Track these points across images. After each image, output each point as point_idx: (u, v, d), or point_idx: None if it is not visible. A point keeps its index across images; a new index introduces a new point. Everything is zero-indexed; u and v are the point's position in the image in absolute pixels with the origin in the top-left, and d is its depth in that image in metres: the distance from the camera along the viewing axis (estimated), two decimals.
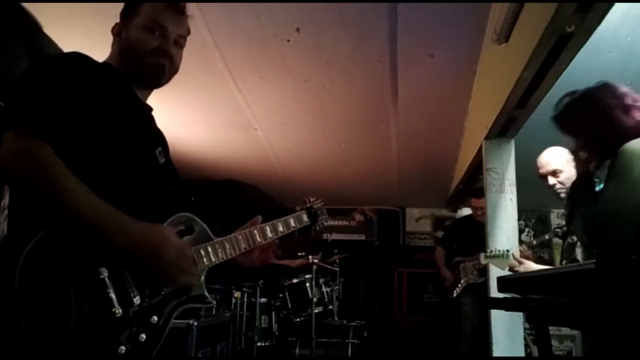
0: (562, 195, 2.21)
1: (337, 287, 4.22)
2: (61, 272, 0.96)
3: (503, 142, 3.02)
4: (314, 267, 3.97)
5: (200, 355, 2.50)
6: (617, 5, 1.66)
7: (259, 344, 3.63)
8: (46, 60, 1.20)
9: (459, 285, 4.07)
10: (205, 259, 1.26)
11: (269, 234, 1.48)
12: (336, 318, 4.10)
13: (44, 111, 1.04)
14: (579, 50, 1.88)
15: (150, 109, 1.42)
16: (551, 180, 2.26)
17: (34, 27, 3.07)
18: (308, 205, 1.86)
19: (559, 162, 2.26)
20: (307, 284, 3.94)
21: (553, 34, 1.77)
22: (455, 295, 4.09)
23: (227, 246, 1.34)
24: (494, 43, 2.44)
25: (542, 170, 2.32)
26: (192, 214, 1.30)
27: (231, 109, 4.06)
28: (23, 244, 0.93)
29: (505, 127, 2.82)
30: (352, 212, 6.35)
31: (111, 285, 1.01)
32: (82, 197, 1.00)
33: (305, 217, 1.78)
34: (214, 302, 1.24)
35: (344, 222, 6.40)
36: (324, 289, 4.06)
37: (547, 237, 4.46)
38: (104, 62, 1.33)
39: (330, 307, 4.06)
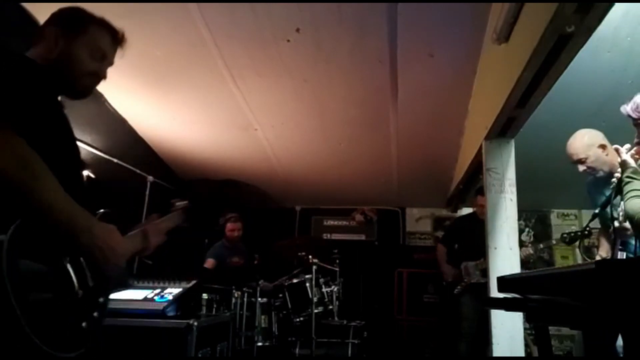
0: (599, 175, 2.31)
1: (337, 287, 4.22)
2: (34, 258, 1.07)
3: (503, 142, 3.01)
4: (314, 267, 3.96)
5: (200, 355, 2.50)
6: (617, 5, 1.66)
7: (259, 344, 3.62)
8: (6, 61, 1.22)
9: (462, 283, 4.07)
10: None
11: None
12: (336, 318, 4.09)
13: (15, 106, 1.10)
14: (579, 50, 1.88)
15: (62, 105, 1.45)
16: (580, 167, 2.37)
17: (34, 27, 3.07)
18: (180, 205, 2.05)
19: (580, 150, 2.35)
20: (307, 284, 3.94)
21: (553, 34, 1.77)
22: (456, 292, 4.09)
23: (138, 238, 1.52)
24: (494, 43, 2.44)
25: (571, 160, 2.42)
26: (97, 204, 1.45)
27: (231, 109, 4.06)
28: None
29: (505, 127, 2.82)
30: (352, 212, 6.34)
31: (72, 270, 1.16)
32: (63, 199, 1.11)
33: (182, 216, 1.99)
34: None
35: (344, 222, 6.39)
36: (324, 289, 4.05)
37: (554, 242, 4.47)
38: (25, 57, 1.33)
39: (330, 307, 4.05)
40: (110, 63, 1.49)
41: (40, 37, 1.41)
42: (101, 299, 1.28)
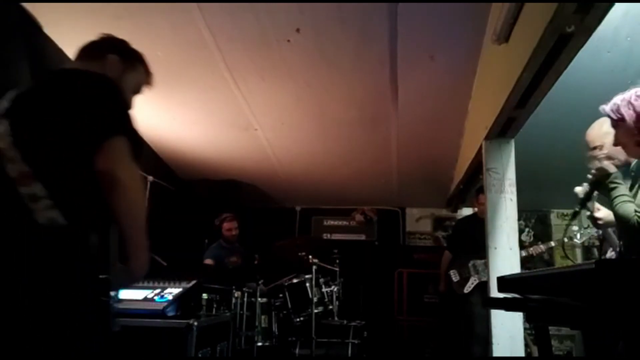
0: (614, 163, 2.22)
1: (337, 287, 4.22)
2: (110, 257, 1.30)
3: (503, 142, 3.01)
4: (314, 267, 3.97)
5: (200, 355, 2.50)
6: (617, 5, 1.66)
7: (259, 344, 3.62)
8: (94, 78, 1.42)
9: (469, 283, 4.05)
10: None
11: None
12: (336, 318, 4.10)
13: (130, 123, 1.37)
14: (579, 50, 1.88)
15: None
16: (597, 151, 2.28)
17: (34, 27, 3.07)
18: None
19: (596, 138, 2.27)
20: (307, 284, 3.94)
21: (553, 34, 1.77)
22: (466, 291, 4.06)
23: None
24: (494, 43, 2.44)
25: (588, 148, 2.33)
26: None
27: (231, 109, 4.06)
28: (97, 233, 1.24)
29: (505, 127, 2.82)
30: (352, 212, 6.34)
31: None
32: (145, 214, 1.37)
33: None
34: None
35: (344, 222, 6.39)
36: (324, 289, 4.05)
37: (552, 244, 4.45)
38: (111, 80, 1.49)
39: (330, 307, 4.05)
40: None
41: (97, 57, 1.55)
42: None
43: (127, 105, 1.46)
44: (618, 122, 1.76)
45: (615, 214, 1.70)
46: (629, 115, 1.69)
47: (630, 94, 1.73)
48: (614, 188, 1.72)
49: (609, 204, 1.75)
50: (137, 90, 1.64)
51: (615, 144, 1.83)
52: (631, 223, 1.61)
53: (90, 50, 1.58)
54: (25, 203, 1.22)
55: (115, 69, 1.54)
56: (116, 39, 1.63)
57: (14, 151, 1.26)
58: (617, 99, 1.76)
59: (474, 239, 4.01)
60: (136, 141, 1.41)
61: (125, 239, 1.32)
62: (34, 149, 1.27)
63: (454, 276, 4.22)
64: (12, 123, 1.31)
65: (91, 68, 1.48)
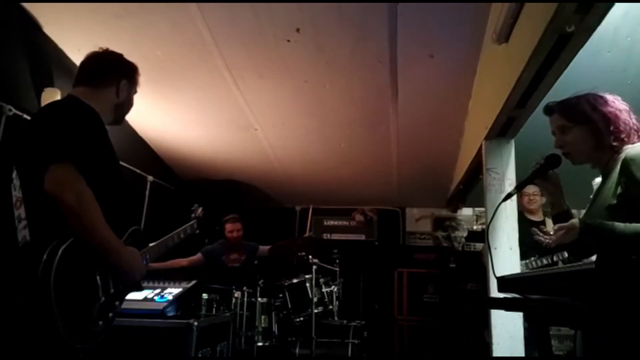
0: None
1: (337, 287, 4.22)
2: (75, 269, 1.40)
3: (503, 142, 3.01)
4: (314, 267, 3.97)
5: (200, 355, 2.50)
6: (617, 5, 1.66)
7: (259, 344, 3.62)
8: (65, 106, 1.59)
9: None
10: (145, 260, 1.80)
11: (176, 240, 2.15)
12: (336, 318, 4.09)
13: (79, 148, 1.43)
14: (579, 50, 1.88)
15: None
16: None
17: (34, 27, 3.07)
18: (198, 215, 2.39)
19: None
20: (307, 284, 3.94)
21: (553, 34, 1.77)
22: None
23: (156, 249, 1.94)
24: (494, 43, 2.44)
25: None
26: (135, 219, 1.94)
27: (231, 109, 4.06)
28: (51, 247, 1.34)
29: (505, 127, 2.82)
30: (352, 212, 6.34)
31: (100, 280, 1.50)
32: (103, 227, 1.44)
33: (195, 225, 2.33)
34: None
35: (344, 222, 6.39)
36: (324, 289, 4.05)
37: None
38: (87, 104, 1.63)
39: (330, 307, 4.05)
40: None
41: (111, 83, 1.74)
42: (117, 302, 1.60)
43: (91, 128, 1.54)
44: (576, 123, 1.60)
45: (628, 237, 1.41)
46: (600, 114, 1.55)
47: (590, 95, 1.59)
48: (599, 225, 1.47)
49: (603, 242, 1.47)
50: (135, 93, 1.86)
51: (564, 145, 1.67)
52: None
53: (101, 77, 1.73)
54: (15, 225, 1.41)
55: (125, 91, 1.78)
56: (119, 59, 1.80)
57: (16, 179, 1.47)
58: (572, 99, 1.61)
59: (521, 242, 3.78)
60: (96, 161, 1.50)
61: (94, 250, 1.45)
62: (22, 176, 1.46)
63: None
64: (14, 153, 1.52)
65: (102, 96, 1.71)
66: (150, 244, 1.91)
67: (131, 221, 1.75)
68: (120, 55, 1.80)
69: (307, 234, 5.37)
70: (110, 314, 1.56)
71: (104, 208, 1.47)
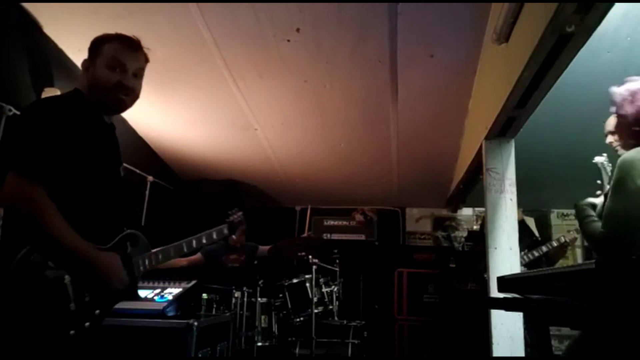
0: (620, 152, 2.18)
1: (337, 287, 4.21)
2: (39, 276, 1.37)
3: (503, 142, 3.01)
4: (314, 267, 3.96)
5: (200, 355, 2.50)
6: (617, 5, 1.66)
7: (259, 344, 3.62)
8: (31, 112, 1.48)
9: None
10: (141, 267, 1.69)
11: (194, 245, 1.91)
12: (336, 318, 4.09)
13: (37, 157, 1.37)
14: (579, 50, 1.88)
15: (113, 127, 1.69)
16: (608, 138, 2.17)
17: (34, 27, 3.07)
18: (230, 219, 2.16)
19: (612, 122, 2.27)
20: (307, 284, 3.93)
21: (553, 34, 1.77)
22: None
23: (160, 256, 1.76)
24: (494, 43, 2.44)
25: (605, 131, 2.29)
26: (137, 223, 1.75)
27: (231, 109, 4.06)
28: (12, 254, 1.34)
29: (505, 127, 2.82)
30: (352, 212, 6.34)
31: (71, 287, 1.42)
32: (64, 232, 1.38)
33: (225, 230, 2.09)
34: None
35: (344, 222, 6.39)
36: (324, 289, 4.04)
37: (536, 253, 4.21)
38: (75, 90, 1.58)
39: (330, 307, 4.04)
40: (136, 72, 1.63)
41: (82, 70, 1.62)
42: (97, 312, 1.49)
43: (64, 131, 1.43)
44: (620, 114, 1.78)
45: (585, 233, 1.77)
46: (630, 111, 1.72)
47: (634, 89, 1.74)
48: (582, 211, 1.80)
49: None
50: (116, 65, 1.56)
51: (612, 130, 1.87)
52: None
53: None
54: None
55: (87, 70, 1.59)
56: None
57: None
58: (624, 91, 1.76)
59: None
60: (67, 165, 1.43)
61: (60, 256, 1.41)
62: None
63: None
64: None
65: (79, 82, 1.61)
66: (155, 250, 1.75)
67: (127, 224, 1.66)
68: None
69: (305, 234, 5.36)
70: (87, 324, 1.45)
71: (80, 211, 1.44)
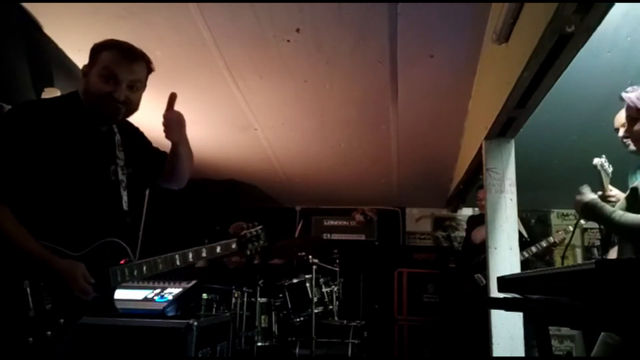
0: (631, 148, 2.06)
1: (337, 287, 4.21)
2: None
3: (503, 142, 3.01)
4: (314, 267, 3.96)
5: (200, 355, 2.50)
6: (617, 5, 1.66)
7: (259, 344, 3.62)
8: (8, 115, 1.48)
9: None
10: (119, 277, 1.57)
11: (190, 259, 1.74)
12: (336, 318, 4.09)
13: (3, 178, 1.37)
14: (579, 50, 1.88)
15: (113, 133, 1.67)
16: (620, 132, 2.15)
17: (34, 27, 3.07)
18: (242, 233, 1.98)
19: (621, 117, 2.23)
20: (307, 284, 3.94)
21: (553, 34, 1.77)
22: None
23: (144, 267, 1.62)
24: (494, 43, 2.44)
25: (615, 125, 2.22)
26: (126, 232, 1.64)
27: (231, 109, 4.05)
28: None
29: (505, 127, 2.82)
30: (352, 212, 6.34)
31: (30, 294, 1.38)
32: (16, 232, 1.36)
33: (233, 245, 1.93)
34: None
35: (344, 222, 6.39)
36: (324, 289, 4.05)
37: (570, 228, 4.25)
38: (73, 93, 1.58)
39: (330, 307, 4.05)
40: (132, 84, 1.58)
41: (81, 74, 1.58)
42: (61, 321, 1.43)
43: (35, 137, 1.41)
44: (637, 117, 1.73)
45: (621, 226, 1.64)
46: None
47: None
48: (602, 208, 1.70)
49: (605, 227, 1.74)
50: (108, 75, 1.52)
51: (629, 134, 1.80)
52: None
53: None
54: None
55: (83, 77, 1.56)
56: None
57: None
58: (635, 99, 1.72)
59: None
60: (36, 173, 1.42)
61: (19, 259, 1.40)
62: None
63: (480, 281, 4.05)
64: None
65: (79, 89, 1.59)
66: (139, 261, 1.63)
67: (113, 233, 1.58)
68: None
69: (296, 236, 5.33)
70: (49, 332, 1.39)
71: (49, 218, 1.43)
